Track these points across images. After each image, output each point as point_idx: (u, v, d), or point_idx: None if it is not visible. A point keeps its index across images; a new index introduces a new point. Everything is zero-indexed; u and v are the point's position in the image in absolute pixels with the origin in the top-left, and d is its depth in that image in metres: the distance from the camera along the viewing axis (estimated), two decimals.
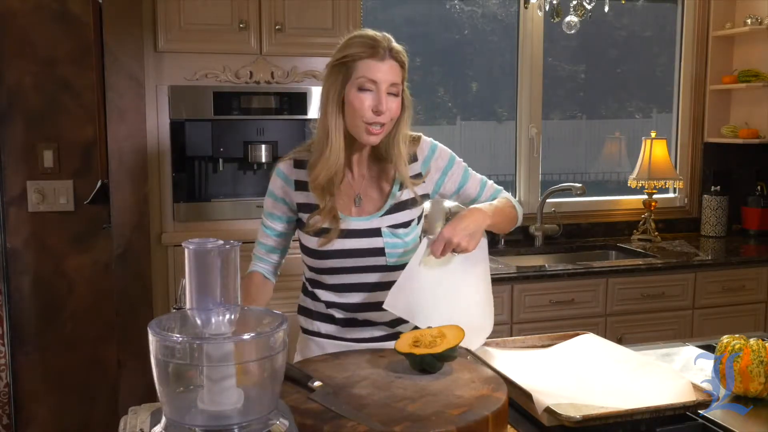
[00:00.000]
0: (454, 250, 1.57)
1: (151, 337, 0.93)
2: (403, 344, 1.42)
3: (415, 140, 1.71)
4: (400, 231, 1.67)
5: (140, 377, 2.64)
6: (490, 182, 1.80)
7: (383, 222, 1.67)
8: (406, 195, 1.69)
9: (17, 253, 2.99)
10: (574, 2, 2.90)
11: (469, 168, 1.78)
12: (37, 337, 3.05)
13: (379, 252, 1.66)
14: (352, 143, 1.63)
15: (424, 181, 1.70)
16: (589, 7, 2.87)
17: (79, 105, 2.99)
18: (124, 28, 2.61)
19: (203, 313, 0.98)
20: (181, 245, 1.04)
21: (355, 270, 1.67)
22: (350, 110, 1.57)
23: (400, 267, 1.64)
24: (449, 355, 1.39)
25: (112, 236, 2.70)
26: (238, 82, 2.75)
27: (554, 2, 2.93)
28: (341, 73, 1.58)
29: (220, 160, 2.79)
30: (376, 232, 1.66)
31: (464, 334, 1.43)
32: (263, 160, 2.77)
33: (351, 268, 1.67)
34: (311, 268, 1.72)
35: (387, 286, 1.65)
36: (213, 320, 0.98)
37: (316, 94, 2.83)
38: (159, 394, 0.95)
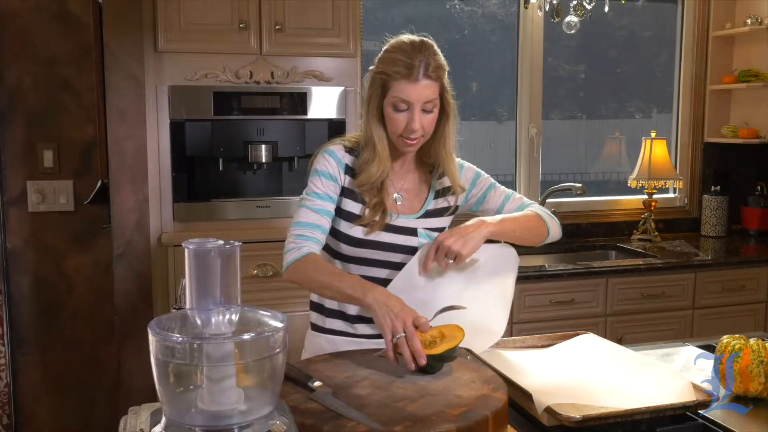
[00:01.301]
0: (446, 255, 1.59)
1: (151, 337, 0.93)
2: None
3: None
4: (435, 234, 1.71)
5: (140, 377, 2.64)
6: (519, 196, 1.84)
7: (420, 223, 1.73)
8: (440, 204, 1.76)
9: (17, 253, 2.99)
10: (574, 2, 2.90)
11: (498, 183, 1.84)
12: (37, 337, 3.05)
13: (412, 251, 1.69)
14: (395, 148, 1.70)
15: (462, 188, 1.77)
16: (589, 7, 2.87)
17: (79, 105, 2.99)
18: (124, 28, 2.60)
19: (203, 313, 0.98)
20: (181, 245, 1.04)
21: (383, 264, 1.69)
22: (388, 124, 1.66)
23: None
24: (449, 356, 1.39)
25: (112, 236, 2.70)
26: (238, 82, 2.75)
27: (554, 2, 2.93)
28: (379, 87, 1.65)
29: (220, 160, 2.79)
30: (412, 231, 1.71)
31: (464, 335, 1.43)
32: (263, 160, 2.77)
33: (381, 261, 1.69)
34: (340, 256, 1.72)
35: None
36: (213, 320, 0.98)
37: (316, 94, 2.83)
38: (159, 394, 0.95)
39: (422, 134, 1.65)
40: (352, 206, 1.70)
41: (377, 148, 1.66)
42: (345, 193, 1.71)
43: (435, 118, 1.66)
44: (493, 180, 1.84)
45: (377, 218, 1.68)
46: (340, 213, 1.71)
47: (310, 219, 1.66)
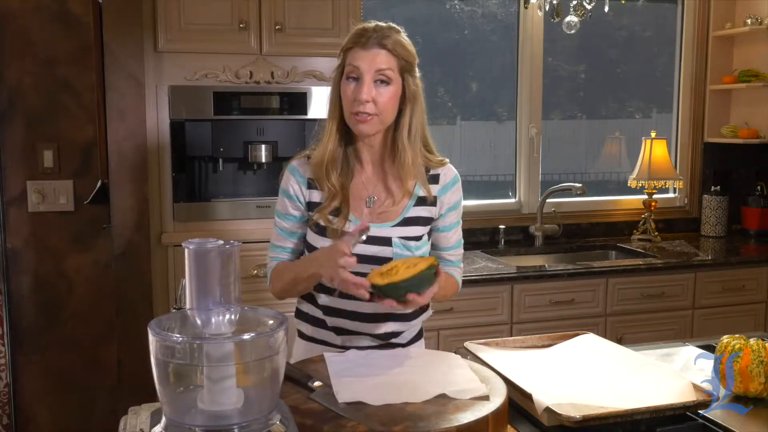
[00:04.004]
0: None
1: (151, 337, 0.93)
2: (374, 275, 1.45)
3: (442, 163, 1.72)
4: (412, 244, 1.65)
5: (140, 377, 2.64)
6: (461, 251, 1.80)
7: (395, 232, 1.65)
8: (420, 212, 1.68)
9: (17, 253, 2.99)
10: (574, 2, 2.90)
11: (460, 225, 1.78)
12: (37, 337, 3.04)
13: (387, 262, 1.62)
14: (354, 136, 1.65)
15: (435, 204, 1.70)
16: (589, 7, 2.87)
17: (79, 105, 2.99)
18: (124, 28, 2.60)
19: (203, 313, 0.98)
20: (181, 245, 1.04)
21: (357, 275, 1.64)
22: (342, 98, 1.61)
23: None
24: (401, 286, 1.41)
25: (112, 236, 2.70)
26: (238, 82, 2.75)
27: (554, 2, 2.93)
28: (339, 65, 1.64)
29: (220, 160, 2.79)
30: (386, 242, 1.64)
31: (425, 268, 1.43)
32: (263, 160, 2.77)
33: (353, 273, 1.63)
34: None
35: None
36: (213, 320, 0.98)
37: (316, 94, 2.83)
38: (159, 394, 0.95)
39: (375, 111, 1.57)
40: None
41: (327, 124, 1.64)
42: (312, 207, 1.68)
43: (391, 96, 1.58)
44: (459, 220, 1.77)
45: (331, 219, 1.63)
46: (312, 226, 1.68)
47: (276, 241, 1.74)
